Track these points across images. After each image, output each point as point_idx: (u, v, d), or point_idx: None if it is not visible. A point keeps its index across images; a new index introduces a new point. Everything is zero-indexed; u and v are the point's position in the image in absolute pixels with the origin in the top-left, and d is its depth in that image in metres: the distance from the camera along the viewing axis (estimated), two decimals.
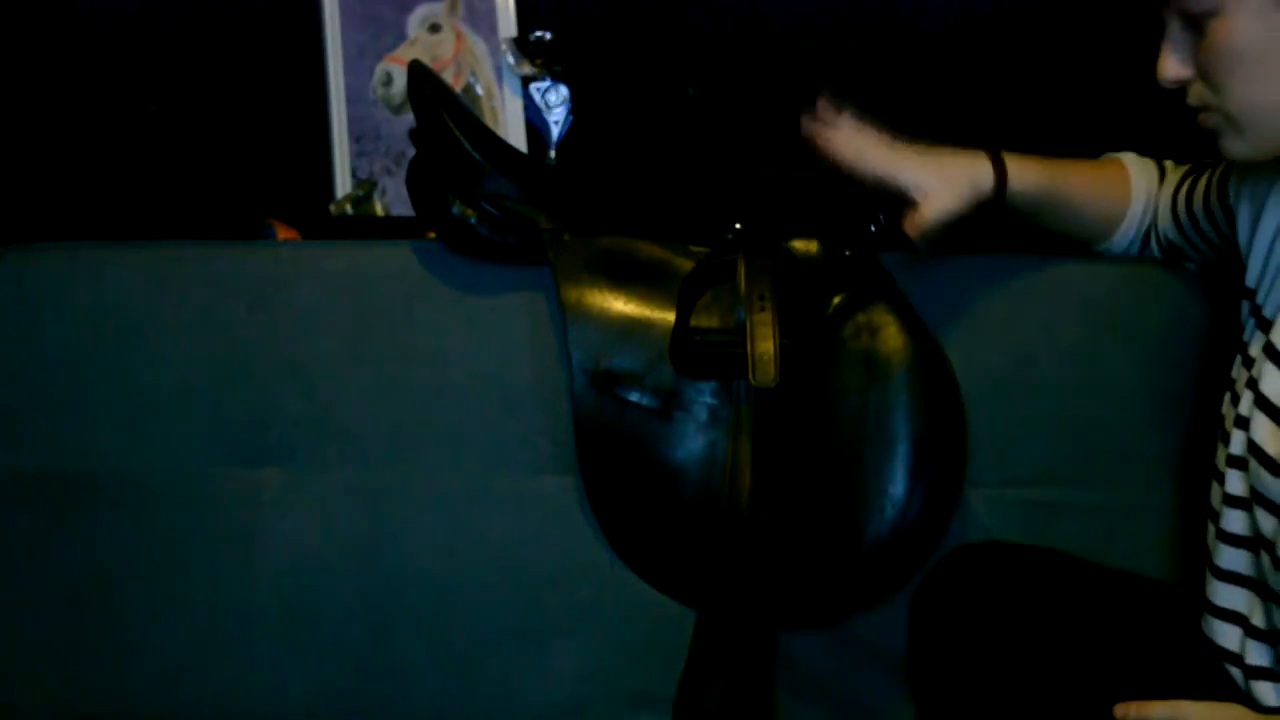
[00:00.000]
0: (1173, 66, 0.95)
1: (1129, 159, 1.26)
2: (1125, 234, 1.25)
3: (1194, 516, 1.10)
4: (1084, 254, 1.31)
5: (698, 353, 1.22)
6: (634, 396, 1.23)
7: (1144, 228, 1.25)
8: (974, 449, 1.27)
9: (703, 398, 1.23)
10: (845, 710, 1.27)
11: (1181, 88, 0.96)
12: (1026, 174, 1.18)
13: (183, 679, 1.34)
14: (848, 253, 1.26)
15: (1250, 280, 1.05)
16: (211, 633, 1.34)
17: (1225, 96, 0.92)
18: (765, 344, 1.17)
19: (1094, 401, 1.27)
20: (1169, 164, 1.26)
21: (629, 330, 1.25)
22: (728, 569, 1.18)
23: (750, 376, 1.15)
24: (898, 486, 1.20)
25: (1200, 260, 1.23)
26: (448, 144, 1.27)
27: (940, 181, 1.16)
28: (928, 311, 1.28)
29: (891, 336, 1.23)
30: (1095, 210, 1.24)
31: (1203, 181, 1.18)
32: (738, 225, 1.29)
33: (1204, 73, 0.93)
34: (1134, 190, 1.23)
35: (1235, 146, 0.94)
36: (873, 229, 1.28)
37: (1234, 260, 1.10)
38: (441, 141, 1.27)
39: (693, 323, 1.24)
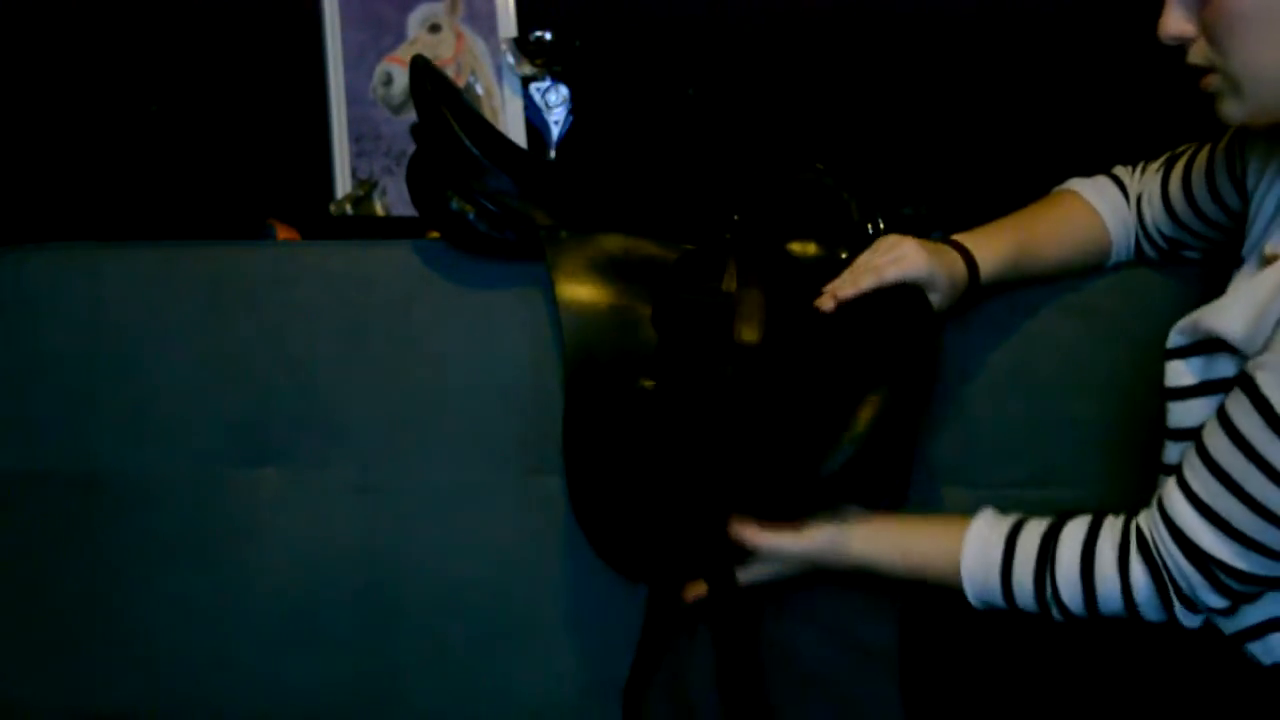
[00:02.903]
0: (1175, 22, 0.93)
1: (1081, 188, 1.25)
2: (1116, 256, 1.26)
3: None
4: None
5: (681, 310, 1.20)
6: (626, 391, 1.22)
7: (1132, 242, 1.26)
8: (974, 449, 1.27)
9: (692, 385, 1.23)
10: (845, 710, 1.28)
11: (1181, 46, 0.95)
12: (992, 258, 1.19)
13: (183, 678, 1.34)
14: (844, 254, 1.26)
15: None
16: (211, 632, 1.33)
17: (1227, 57, 0.90)
18: (752, 310, 1.17)
19: (1093, 402, 1.27)
20: (1120, 170, 1.26)
21: (624, 328, 1.24)
22: (694, 537, 1.18)
23: (736, 335, 1.15)
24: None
25: (1202, 248, 1.23)
26: (448, 139, 1.27)
27: (945, 279, 1.16)
28: None
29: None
30: (1075, 256, 1.25)
31: (1199, 163, 1.16)
32: (735, 217, 1.29)
33: (1207, 31, 0.91)
34: (1105, 220, 1.24)
35: (1232, 109, 0.93)
36: (870, 231, 1.28)
37: (1238, 243, 1.10)
38: (442, 137, 1.27)
39: None
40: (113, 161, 1.71)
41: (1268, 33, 0.88)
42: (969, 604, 1.07)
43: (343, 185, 1.66)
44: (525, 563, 1.31)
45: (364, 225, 1.63)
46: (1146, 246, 1.26)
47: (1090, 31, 1.54)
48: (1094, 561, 1.01)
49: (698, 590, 1.20)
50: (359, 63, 1.66)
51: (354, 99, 1.66)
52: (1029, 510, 1.27)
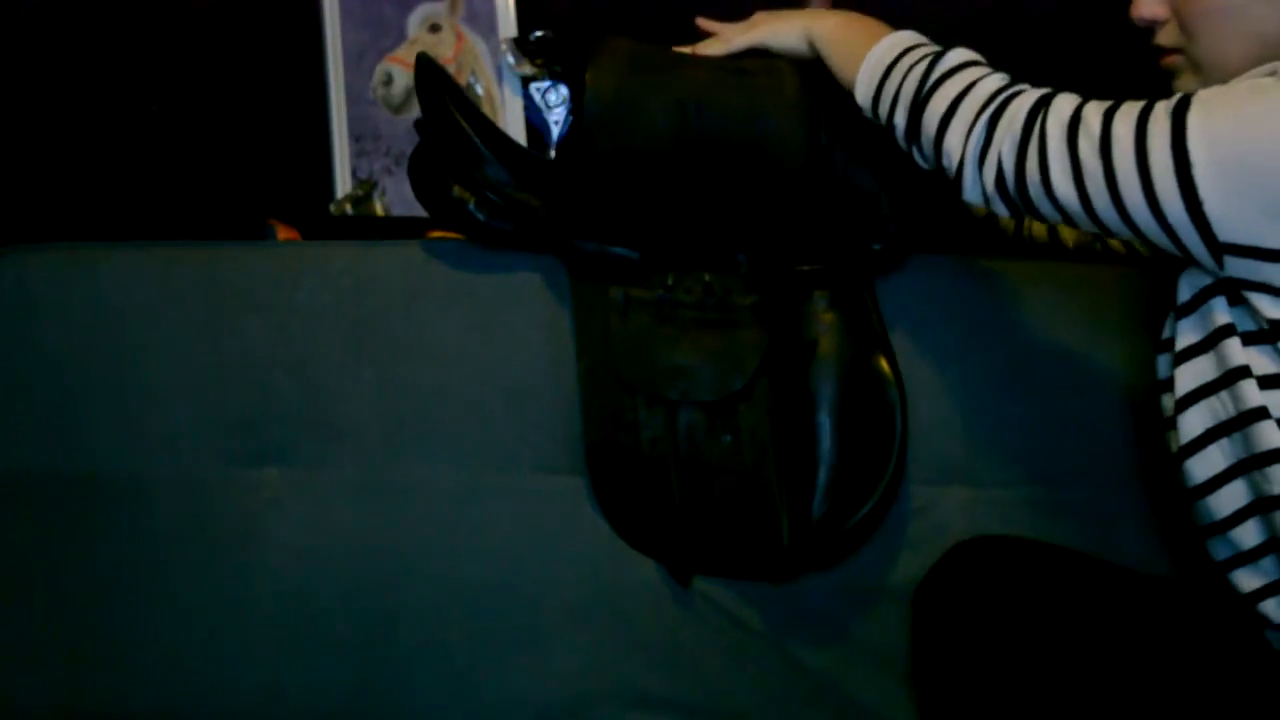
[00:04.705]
0: (1149, 6, 1.03)
1: None
2: None
3: (1190, 515, 1.10)
4: (1082, 256, 1.32)
5: None
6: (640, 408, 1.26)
7: None
8: (974, 449, 1.27)
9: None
10: (845, 710, 1.28)
11: (1150, 28, 1.03)
12: None
13: (183, 679, 1.34)
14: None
15: None
16: (211, 632, 1.33)
17: (1196, 42, 1.00)
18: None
19: (1093, 402, 1.27)
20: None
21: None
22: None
23: None
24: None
25: None
26: (451, 130, 1.28)
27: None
28: (930, 314, 1.28)
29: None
30: None
31: None
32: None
33: (1180, 17, 1.01)
34: None
35: (1190, 86, 1.00)
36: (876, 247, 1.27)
37: None
38: (445, 127, 1.28)
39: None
40: (113, 161, 1.71)
41: (1237, 25, 0.97)
42: (975, 598, 1.07)
43: (343, 185, 1.66)
44: (527, 563, 1.31)
45: (364, 225, 1.63)
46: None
47: (1078, 34, 1.54)
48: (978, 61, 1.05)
49: None
50: (359, 62, 1.66)
51: (354, 99, 1.66)
52: (1029, 510, 1.27)
